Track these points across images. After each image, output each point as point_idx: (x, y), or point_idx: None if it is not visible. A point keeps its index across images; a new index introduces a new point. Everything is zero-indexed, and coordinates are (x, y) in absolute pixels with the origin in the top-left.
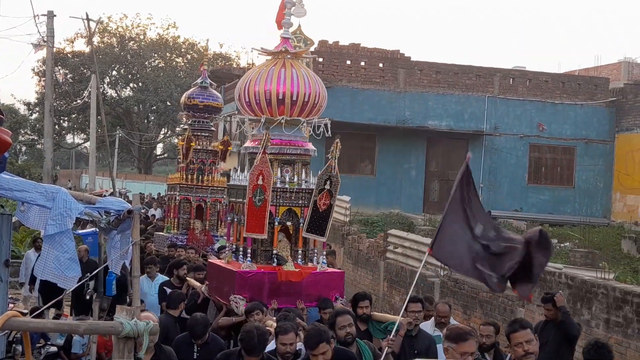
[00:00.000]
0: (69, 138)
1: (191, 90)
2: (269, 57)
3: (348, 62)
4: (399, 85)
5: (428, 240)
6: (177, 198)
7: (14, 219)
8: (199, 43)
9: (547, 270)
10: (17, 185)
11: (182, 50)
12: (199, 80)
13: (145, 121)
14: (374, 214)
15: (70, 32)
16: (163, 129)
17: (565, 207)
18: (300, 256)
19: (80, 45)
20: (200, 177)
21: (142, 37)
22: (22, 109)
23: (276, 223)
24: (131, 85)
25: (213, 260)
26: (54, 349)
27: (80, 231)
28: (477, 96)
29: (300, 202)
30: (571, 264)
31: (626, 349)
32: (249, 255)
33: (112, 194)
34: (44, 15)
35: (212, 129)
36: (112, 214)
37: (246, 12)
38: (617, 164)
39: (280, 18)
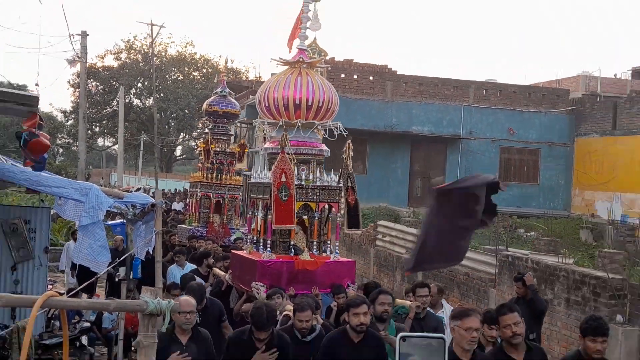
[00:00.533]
0: (100, 141)
1: (211, 98)
2: (286, 67)
3: (342, 75)
4: (387, 95)
5: (413, 230)
6: (198, 194)
7: (52, 212)
8: (213, 59)
9: (515, 256)
10: (55, 182)
11: (198, 65)
12: (218, 90)
13: (166, 127)
14: (365, 207)
15: (101, 48)
16: (182, 134)
17: (531, 202)
18: (315, 247)
19: (110, 61)
20: (219, 176)
21: (163, 53)
22: (59, 116)
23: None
24: (155, 95)
25: (236, 251)
26: (87, 324)
27: (110, 222)
28: (454, 105)
29: (315, 197)
30: (536, 250)
31: None
32: (268, 246)
33: (137, 190)
34: (79, 34)
35: (230, 133)
36: (137, 207)
37: (254, 31)
38: (576, 164)
39: (296, 31)
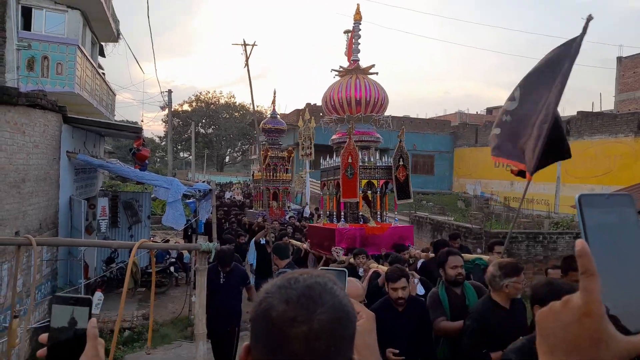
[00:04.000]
0: (182, 154)
1: (265, 119)
2: (337, 77)
3: (321, 114)
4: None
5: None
6: (261, 187)
7: (152, 195)
8: (246, 105)
9: (420, 216)
10: (153, 177)
11: (237, 107)
12: (269, 113)
13: (220, 145)
14: None
15: (181, 98)
16: (229, 149)
17: (429, 185)
18: (378, 216)
19: (186, 107)
20: (274, 174)
21: (217, 102)
22: (157, 139)
23: (360, 192)
24: (212, 127)
25: (312, 224)
26: (173, 259)
27: (187, 200)
28: (385, 130)
29: (376, 175)
30: (432, 213)
31: None
32: (342, 217)
33: (203, 182)
34: (167, 91)
35: (280, 143)
36: (201, 191)
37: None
38: (455, 164)
39: (351, 48)
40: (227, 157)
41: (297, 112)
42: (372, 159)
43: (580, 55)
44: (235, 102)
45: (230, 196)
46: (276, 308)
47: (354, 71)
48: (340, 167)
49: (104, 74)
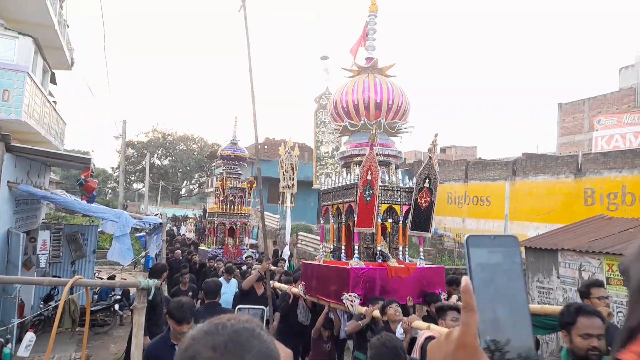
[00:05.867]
0: (135, 185)
1: (225, 145)
2: (349, 76)
3: (280, 148)
4: (304, 159)
5: (318, 238)
6: (216, 222)
7: (99, 228)
8: (204, 138)
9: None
10: (100, 209)
11: (195, 140)
12: (230, 138)
13: (175, 177)
14: (293, 224)
15: (137, 129)
16: (185, 181)
17: None
18: (400, 252)
19: (141, 137)
20: (232, 207)
21: (174, 133)
22: (109, 170)
23: (379, 220)
24: (168, 158)
25: (308, 261)
26: (118, 296)
27: (137, 234)
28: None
29: (399, 200)
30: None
31: None
32: (355, 252)
33: (155, 215)
34: (121, 121)
35: (240, 172)
36: (151, 225)
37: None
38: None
39: (360, 42)
40: (183, 190)
41: (255, 146)
42: (392, 179)
43: (528, 97)
44: (193, 135)
45: (183, 233)
46: (202, 355)
47: (369, 70)
48: (358, 186)
49: (55, 102)
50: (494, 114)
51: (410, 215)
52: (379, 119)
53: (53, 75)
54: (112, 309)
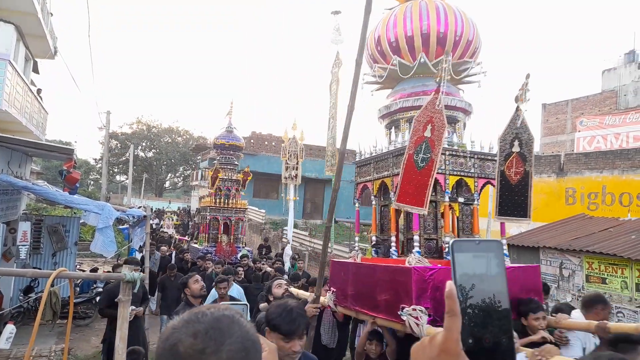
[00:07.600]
0: (118, 177)
1: (219, 133)
2: (390, 8)
3: (266, 142)
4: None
5: (305, 233)
6: (208, 217)
7: (81, 220)
8: (190, 131)
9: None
10: (82, 201)
11: (181, 132)
12: (225, 125)
13: (160, 169)
14: (278, 219)
15: (121, 120)
16: (169, 174)
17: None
18: None
19: (125, 128)
20: (226, 201)
21: (159, 125)
22: (92, 161)
23: (446, 198)
24: (153, 150)
25: (338, 260)
26: (100, 289)
27: (120, 227)
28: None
29: (472, 171)
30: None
31: None
32: (416, 245)
33: (139, 207)
34: (105, 112)
35: (236, 163)
36: (135, 217)
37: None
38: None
39: None
40: (168, 182)
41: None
42: (461, 141)
43: (512, 96)
44: (179, 127)
45: (158, 225)
46: (184, 342)
47: None
48: (408, 147)
49: (39, 90)
50: (479, 113)
51: (496, 194)
52: (440, 58)
53: (35, 63)
54: (93, 302)
